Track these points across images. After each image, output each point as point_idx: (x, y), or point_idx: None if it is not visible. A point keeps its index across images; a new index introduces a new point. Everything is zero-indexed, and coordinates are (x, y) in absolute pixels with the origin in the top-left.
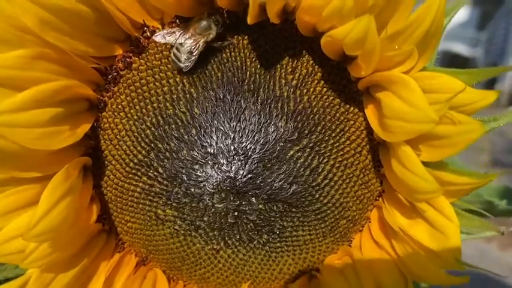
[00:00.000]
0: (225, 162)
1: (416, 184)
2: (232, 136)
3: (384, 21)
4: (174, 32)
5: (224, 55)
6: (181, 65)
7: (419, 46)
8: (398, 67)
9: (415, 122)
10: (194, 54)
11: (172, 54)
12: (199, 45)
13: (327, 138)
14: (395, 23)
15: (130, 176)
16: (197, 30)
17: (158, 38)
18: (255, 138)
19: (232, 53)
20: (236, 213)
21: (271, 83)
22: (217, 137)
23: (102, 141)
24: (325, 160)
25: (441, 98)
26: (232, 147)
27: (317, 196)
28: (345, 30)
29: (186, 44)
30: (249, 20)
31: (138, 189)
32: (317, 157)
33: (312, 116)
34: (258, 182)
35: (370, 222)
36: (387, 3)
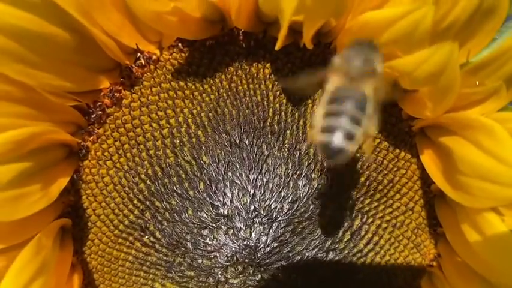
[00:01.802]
0: (243, 227)
1: (505, 266)
2: (251, 192)
3: (461, 44)
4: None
5: (240, 87)
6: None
7: (507, 81)
8: (475, 107)
9: (510, 186)
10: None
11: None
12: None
13: (371, 192)
14: (475, 46)
15: (120, 241)
16: (352, 71)
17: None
18: (282, 194)
19: (251, 85)
20: None
21: (301, 123)
22: (232, 194)
23: (84, 197)
24: (370, 220)
25: None
26: (252, 207)
27: (359, 265)
28: (415, 61)
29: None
30: (278, 45)
31: (130, 258)
32: (359, 216)
33: (352, 164)
34: (286, 251)
35: None
36: (468, 23)
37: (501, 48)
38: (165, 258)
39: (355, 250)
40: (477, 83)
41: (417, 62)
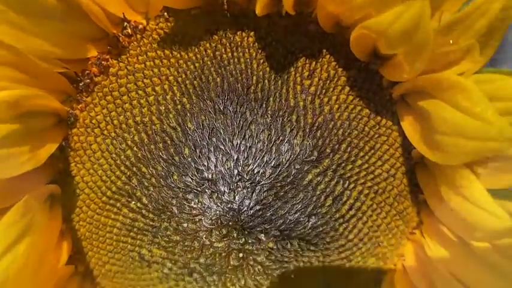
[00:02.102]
0: (227, 191)
1: (480, 220)
2: (235, 157)
3: (435, 7)
4: None
5: (224, 55)
6: None
7: (480, 41)
8: (450, 68)
9: (483, 140)
10: None
11: None
12: None
13: (353, 158)
14: (449, 8)
15: (107, 207)
16: None
17: None
18: (264, 159)
19: (235, 53)
20: (241, 254)
21: (284, 91)
22: (216, 159)
23: (72, 165)
24: (352, 186)
25: (510, 107)
26: (235, 171)
27: (341, 230)
28: (387, 19)
29: None
30: (258, 10)
31: (118, 224)
32: (341, 182)
33: (334, 130)
34: (269, 214)
35: (404, 259)
36: None
37: (472, 6)
38: (151, 223)
39: (338, 215)
40: (451, 41)
41: (390, 19)
